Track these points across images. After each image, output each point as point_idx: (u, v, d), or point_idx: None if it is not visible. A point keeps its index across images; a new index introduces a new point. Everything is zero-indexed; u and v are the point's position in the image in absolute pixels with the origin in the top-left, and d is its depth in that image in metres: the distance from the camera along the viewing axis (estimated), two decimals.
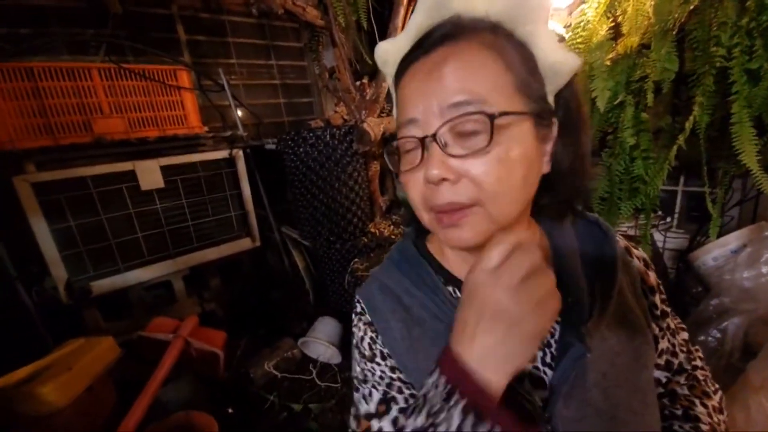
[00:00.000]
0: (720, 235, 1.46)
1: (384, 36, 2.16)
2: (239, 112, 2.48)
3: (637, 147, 1.37)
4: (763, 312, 1.29)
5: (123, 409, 1.34)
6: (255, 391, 1.98)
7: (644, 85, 1.27)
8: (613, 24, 1.36)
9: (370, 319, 0.55)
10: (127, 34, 2.22)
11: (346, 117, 2.33)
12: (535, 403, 0.42)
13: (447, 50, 0.42)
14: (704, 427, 0.51)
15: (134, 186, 1.98)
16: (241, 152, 2.36)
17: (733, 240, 1.48)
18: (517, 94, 0.42)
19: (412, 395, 0.49)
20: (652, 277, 0.56)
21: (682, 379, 0.57)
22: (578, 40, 1.44)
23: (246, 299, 2.61)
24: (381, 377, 0.51)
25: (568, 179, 0.49)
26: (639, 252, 0.57)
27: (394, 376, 0.50)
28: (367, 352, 0.53)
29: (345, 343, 2.14)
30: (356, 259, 2.17)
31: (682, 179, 1.84)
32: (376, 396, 0.49)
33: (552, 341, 0.48)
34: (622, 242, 0.56)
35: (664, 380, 0.57)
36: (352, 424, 0.51)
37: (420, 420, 0.38)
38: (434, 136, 0.41)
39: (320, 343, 2.12)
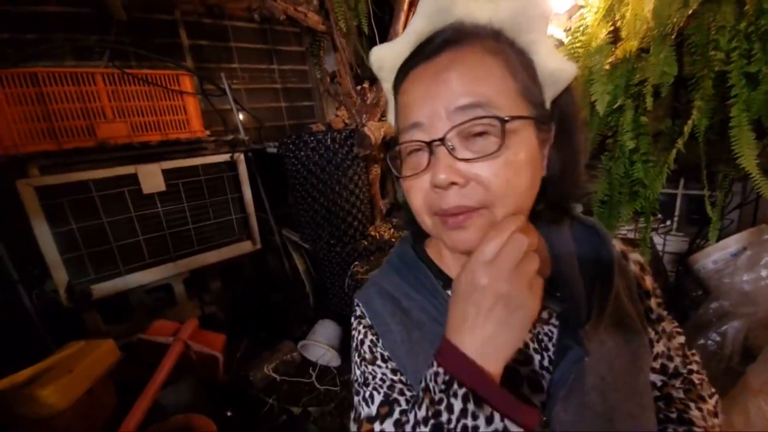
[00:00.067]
0: (720, 238, 1.46)
1: (385, 41, 2.18)
2: (241, 116, 2.50)
3: (636, 150, 1.37)
4: (763, 315, 1.28)
5: (123, 412, 1.34)
6: (254, 394, 1.98)
7: (643, 88, 1.27)
8: (612, 28, 1.37)
9: (370, 323, 0.55)
10: (131, 40, 2.24)
11: (347, 121, 2.35)
12: (533, 403, 0.42)
13: (451, 55, 0.42)
14: (698, 430, 0.51)
15: (136, 189, 1.99)
16: (242, 156, 2.37)
17: (732, 243, 1.48)
18: (520, 99, 0.42)
19: (413, 397, 0.48)
20: (648, 281, 0.56)
21: (677, 383, 0.57)
22: (577, 45, 1.45)
23: (246, 302, 2.61)
24: (382, 380, 0.50)
25: (564, 184, 0.49)
26: (635, 256, 0.58)
27: (396, 378, 0.50)
28: (368, 355, 0.53)
29: (345, 346, 2.14)
30: (356, 262, 2.18)
31: (681, 182, 1.84)
32: (378, 399, 0.49)
33: (550, 345, 0.48)
34: (618, 246, 0.56)
35: (659, 384, 0.57)
36: (353, 427, 0.51)
37: (421, 412, 0.39)
38: (442, 139, 0.41)
39: (320, 346, 2.12)
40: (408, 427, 0.40)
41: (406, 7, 2.02)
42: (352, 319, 0.59)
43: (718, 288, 1.47)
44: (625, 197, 1.47)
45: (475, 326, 0.38)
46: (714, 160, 1.35)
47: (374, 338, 0.54)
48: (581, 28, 1.42)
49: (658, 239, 1.85)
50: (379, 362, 0.52)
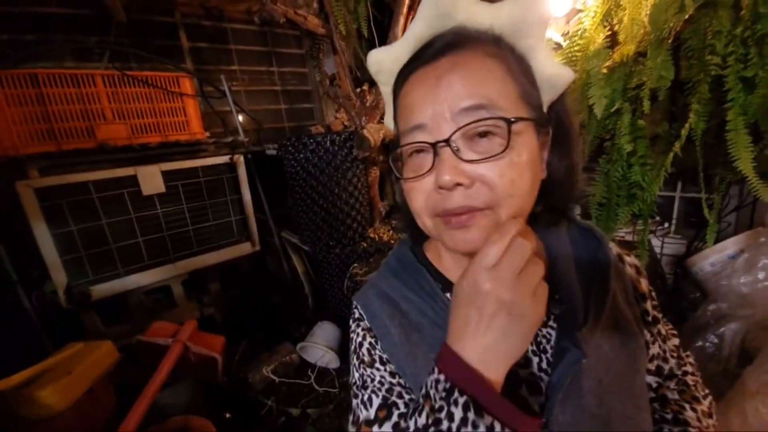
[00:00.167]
0: (717, 240, 1.46)
1: (384, 44, 2.19)
2: (240, 118, 2.51)
3: (634, 153, 1.38)
4: (760, 317, 1.29)
5: (122, 413, 1.34)
6: (253, 395, 1.98)
7: (641, 92, 1.28)
8: (609, 33, 1.38)
9: (368, 325, 0.55)
10: (131, 42, 2.25)
11: (346, 123, 2.36)
12: (533, 408, 0.42)
13: (453, 58, 0.42)
14: (693, 431, 0.52)
15: (135, 191, 2.00)
16: (242, 157, 2.37)
17: (730, 246, 1.49)
18: (520, 102, 0.43)
19: (411, 400, 0.48)
20: (644, 283, 0.57)
21: (672, 384, 0.58)
22: (575, 48, 1.46)
23: (245, 304, 2.61)
24: (381, 383, 0.50)
25: (560, 187, 0.50)
26: (631, 259, 0.58)
27: (394, 381, 0.50)
28: (367, 358, 0.53)
29: (344, 348, 2.14)
30: (355, 264, 2.18)
31: (679, 185, 1.85)
32: (376, 402, 0.49)
33: (548, 347, 0.48)
34: (614, 249, 0.56)
35: (654, 385, 0.57)
36: (351, 430, 0.51)
37: (421, 419, 0.39)
38: (448, 140, 0.41)
39: (319, 347, 2.12)
40: None
41: (405, 10, 2.03)
42: (351, 321, 0.59)
43: (715, 290, 1.47)
44: (623, 200, 1.47)
45: (477, 333, 0.37)
46: (711, 163, 1.36)
47: (373, 341, 0.54)
48: (579, 32, 1.44)
49: (656, 241, 1.86)
50: (377, 365, 0.52)
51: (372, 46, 2.45)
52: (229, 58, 2.77)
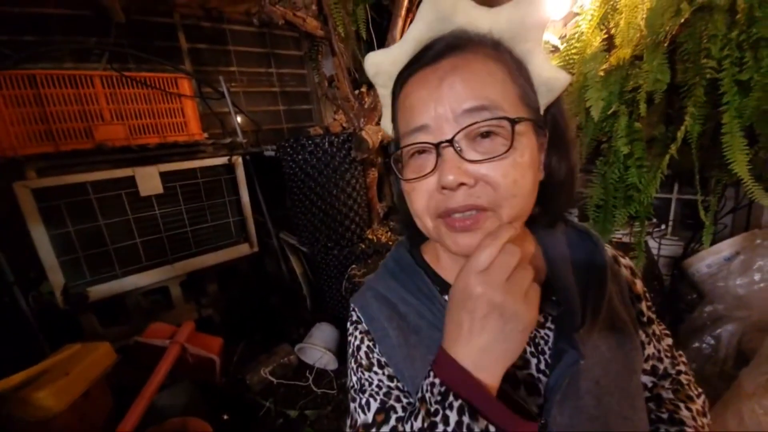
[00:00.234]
0: (714, 242, 1.47)
1: (383, 46, 2.20)
2: (239, 119, 2.50)
3: (631, 156, 1.39)
4: (756, 319, 1.30)
5: (119, 415, 1.33)
6: (251, 397, 1.97)
7: (637, 95, 1.29)
8: (606, 36, 1.39)
9: (366, 328, 0.55)
10: (130, 43, 2.25)
11: (344, 125, 2.36)
12: (531, 410, 0.42)
13: (454, 60, 0.43)
14: (689, 430, 0.52)
15: (133, 192, 2.00)
16: (240, 159, 2.37)
17: (726, 247, 1.50)
18: (520, 104, 0.43)
19: (410, 403, 0.48)
20: (639, 285, 0.57)
21: (666, 384, 0.58)
22: (573, 51, 1.47)
23: (243, 305, 2.61)
24: (379, 386, 0.50)
25: (557, 189, 0.50)
26: (626, 261, 0.59)
27: (392, 384, 0.50)
28: (364, 361, 0.53)
29: (342, 350, 2.14)
30: (353, 266, 2.18)
31: (676, 187, 1.85)
32: (374, 405, 0.49)
33: (546, 348, 0.49)
34: (610, 251, 0.57)
35: (650, 385, 0.58)
36: None
37: (417, 423, 0.39)
38: (451, 141, 0.42)
39: (317, 349, 2.12)
40: None
41: (403, 12, 2.04)
42: (348, 324, 0.59)
43: (712, 292, 1.48)
44: (620, 201, 1.48)
45: (470, 336, 0.38)
46: (707, 166, 1.37)
47: (371, 344, 0.53)
48: (576, 36, 1.45)
49: (653, 243, 1.87)
50: (375, 368, 0.52)
51: (370, 48, 2.46)
52: (227, 59, 2.77)
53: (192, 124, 2.18)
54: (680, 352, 0.62)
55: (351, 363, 0.55)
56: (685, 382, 0.58)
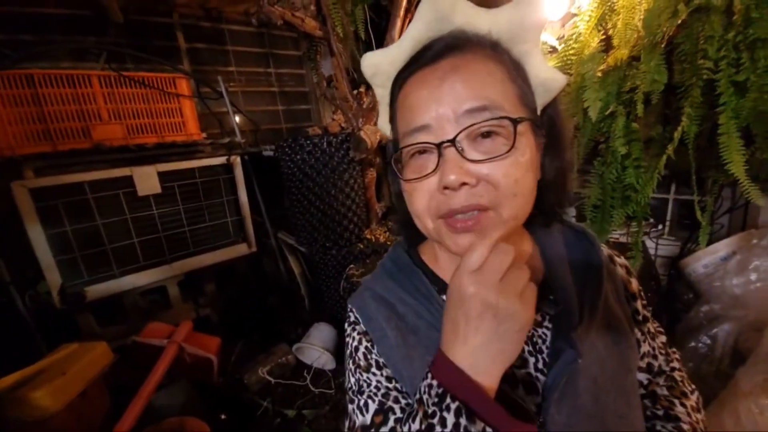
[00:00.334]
0: (710, 242, 1.48)
1: (381, 46, 2.20)
2: (237, 119, 2.50)
3: (628, 156, 1.39)
4: (753, 319, 1.30)
5: (116, 414, 1.33)
6: (249, 397, 1.97)
7: (634, 96, 1.29)
8: (604, 37, 1.40)
9: (364, 328, 0.55)
10: (128, 42, 2.24)
11: (343, 125, 2.36)
12: (529, 408, 0.42)
13: (454, 60, 0.43)
14: (685, 426, 0.53)
15: (131, 192, 1.99)
16: (238, 159, 2.37)
17: (722, 247, 1.50)
18: (519, 104, 0.44)
19: (408, 404, 0.48)
20: (634, 283, 0.58)
21: (661, 381, 0.59)
22: (571, 52, 1.48)
23: (241, 305, 2.61)
24: (377, 387, 0.50)
25: (556, 189, 0.51)
26: (621, 260, 0.59)
27: (391, 385, 0.50)
28: (363, 363, 0.53)
29: (340, 349, 2.14)
30: (352, 265, 2.18)
31: (673, 187, 1.86)
32: (372, 407, 0.49)
33: (544, 347, 0.49)
34: (605, 250, 0.57)
35: (645, 382, 0.58)
36: None
37: (415, 425, 0.39)
38: (453, 141, 0.42)
39: (315, 349, 2.12)
40: None
41: (402, 13, 2.04)
42: (346, 325, 0.59)
43: (708, 291, 1.49)
44: (618, 202, 1.48)
45: (466, 337, 0.38)
46: (704, 166, 1.37)
47: (369, 345, 0.53)
48: (574, 36, 1.45)
49: (650, 243, 1.87)
50: (373, 369, 0.52)
51: (369, 49, 2.45)
52: (226, 59, 2.76)
53: (190, 124, 2.18)
54: (673, 349, 0.63)
55: (349, 364, 0.55)
56: (678, 378, 0.59)
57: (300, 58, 3.14)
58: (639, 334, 0.55)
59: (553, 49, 1.59)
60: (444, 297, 0.52)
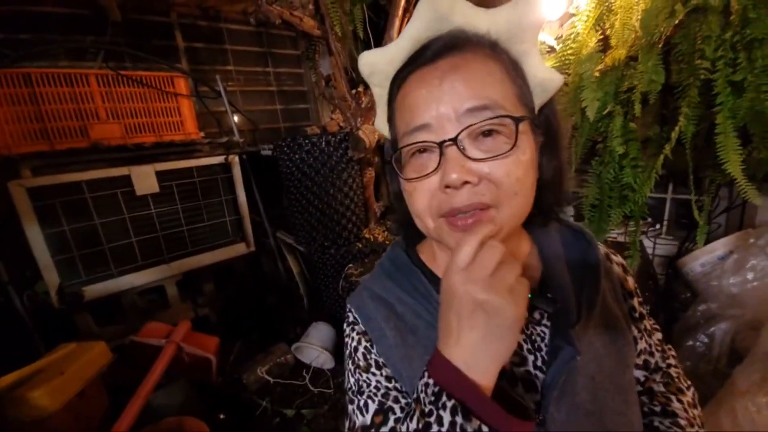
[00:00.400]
0: (707, 242, 1.48)
1: (380, 45, 2.20)
2: (236, 118, 2.50)
3: (626, 156, 1.40)
4: (750, 317, 1.31)
5: (115, 414, 1.33)
6: (247, 396, 1.97)
7: (632, 95, 1.30)
8: (601, 37, 1.40)
9: (363, 328, 0.55)
10: (126, 41, 2.24)
11: (341, 124, 2.36)
12: (529, 406, 0.43)
13: (454, 60, 0.43)
14: (682, 421, 0.53)
15: (129, 191, 1.99)
16: (237, 158, 2.37)
17: (719, 247, 1.51)
18: (519, 103, 0.44)
19: (408, 404, 0.48)
20: (631, 281, 0.58)
21: (658, 377, 0.59)
22: (569, 52, 1.48)
23: (240, 304, 2.60)
24: (377, 387, 0.50)
25: (553, 188, 0.51)
26: (618, 258, 0.60)
27: (390, 385, 0.50)
28: (362, 363, 0.53)
29: (339, 349, 2.14)
30: (350, 265, 2.18)
31: (670, 187, 1.87)
32: (372, 407, 0.49)
33: (543, 345, 0.49)
34: (602, 249, 0.57)
35: (642, 379, 0.59)
36: None
37: (413, 424, 0.39)
38: (455, 140, 0.42)
39: (314, 348, 2.12)
40: None
41: (400, 12, 2.04)
42: (345, 325, 0.59)
43: (706, 291, 1.49)
44: (615, 201, 1.49)
45: (459, 335, 0.38)
46: (701, 166, 1.38)
47: (368, 345, 0.53)
48: (572, 36, 1.46)
49: (647, 243, 1.88)
50: (373, 369, 0.52)
51: (367, 48, 2.45)
52: (224, 58, 2.76)
53: (188, 123, 2.17)
54: (669, 346, 0.63)
55: (348, 364, 0.55)
56: (675, 375, 0.60)
57: (298, 58, 3.14)
58: (636, 332, 0.56)
59: (552, 49, 1.59)
60: None
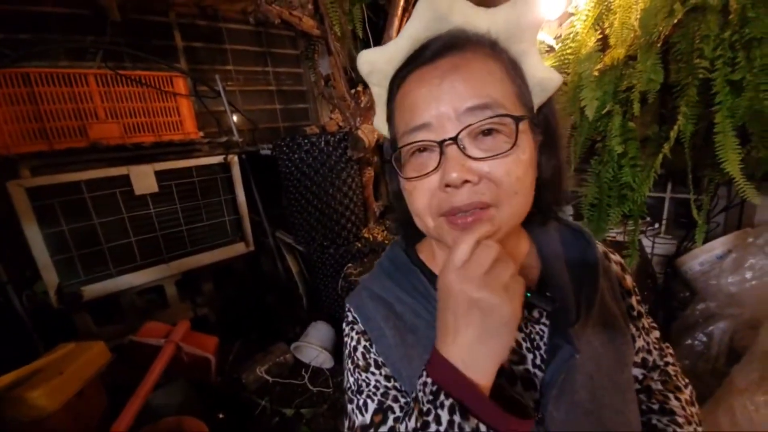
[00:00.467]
0: (706, 241, 1.48)
1: (379, 45, 2.19)
2: (235, 118, 2.50)
3: (624, 155, 1.40)
4: (748, 316, 1.31)
5: (114, 414, 1.33)
6: (247, 396, 1.97)
7: (631, 95, 1.30)
8: (600, 36, 1.40)
9: (362, 328, 0.55)
10: (125, 41, 2.23)
11: (341, 124, 2.36)
12: (528, 404, 0.43)
13: (454, 59, 0.43)
14: (680, 419, 0.53)
15: (128, 191, 1.98)
16: (236, 157, 2.37)
17: (718, 246, 1.51)
18: (518, 102, 0.44)
19: (407, 403, 0.48)
20: (629, 280, 0.58)
21: (655, 375, 0.59)
22: (568, 51, 1.48)
23: (239, 304, 2.60)
24: (376, 387, 0.50)
25: (550, 188, 0.51)
26: (616, 257, 0.60)
27: (390, 385, 0.50)
28: (361, 362, 0.53)
29: (338, 348, 2.14)
30: (350, 264, 2.18)
31: (669, 186, 1.87)
32: (372, 406, 0.49)
33: (542, 343, 0.49)
34: (600, 248, 0.58)
35: (640, 377, 0.59)
36: None
37: (411, 423, 0.39)
38: (455, 139, 0.41)
39: (313, 347, 2.12)
40: None
41: (400, 12, 2.04)
42: (344, 325, 0.59)
43: (704, 289, 1.49)
44: (614, 200, 1.49)
45: (456, 334, 0.38)
46: (700, 165, 1.38)
47: (367, 344, 0.53)
48: (571, 36, 1.46)
49: (646, 242, 1.88)
50: (372, 369, 0.52)
51: (366, 48, 2.46)
52: (223, 58, 2.75)
53: (187, 123, 2.17)
54: (667, 344, 0.63)
55: (348, 364, 0.55)
56: (672, 373, 0.60)
57: (298, 57, 3.14)
58: (634, 330, 0.56)
59: (551, 49, 1.59)
60: None
